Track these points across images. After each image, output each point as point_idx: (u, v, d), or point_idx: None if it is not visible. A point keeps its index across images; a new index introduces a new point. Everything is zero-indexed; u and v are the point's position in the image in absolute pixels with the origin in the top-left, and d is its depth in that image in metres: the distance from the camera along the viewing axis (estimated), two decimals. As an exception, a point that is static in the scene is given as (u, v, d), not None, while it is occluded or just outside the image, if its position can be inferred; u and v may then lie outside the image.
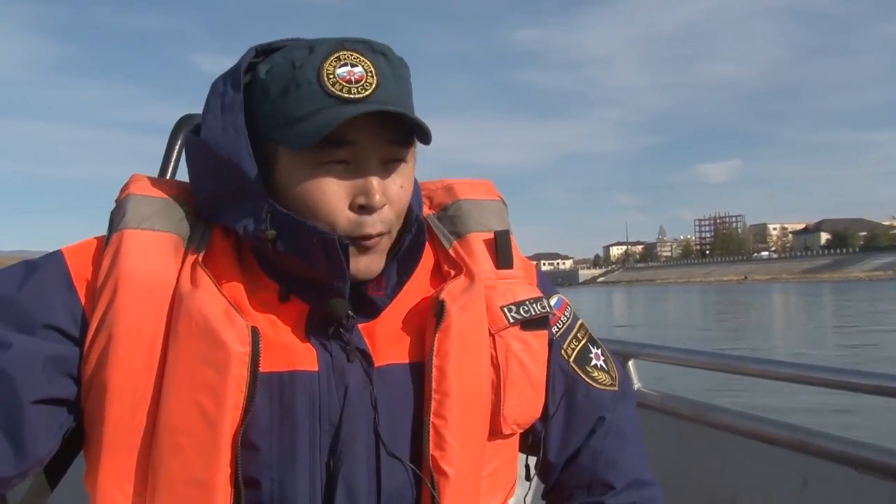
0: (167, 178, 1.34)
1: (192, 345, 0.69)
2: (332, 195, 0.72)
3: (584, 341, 0.91)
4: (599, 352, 0.92)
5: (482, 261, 0.84)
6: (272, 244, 0.72)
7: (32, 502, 0.82)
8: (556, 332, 0.88)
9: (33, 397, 0.68)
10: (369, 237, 0.73)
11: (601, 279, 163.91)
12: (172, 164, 1.33)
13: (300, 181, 0.72)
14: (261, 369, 0.70)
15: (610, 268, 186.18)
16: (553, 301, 0.88)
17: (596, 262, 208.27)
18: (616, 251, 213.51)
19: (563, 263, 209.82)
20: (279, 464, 0.71)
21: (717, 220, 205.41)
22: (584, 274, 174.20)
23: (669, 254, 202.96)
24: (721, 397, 5.29)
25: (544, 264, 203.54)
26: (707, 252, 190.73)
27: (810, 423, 1.49)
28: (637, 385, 1.72)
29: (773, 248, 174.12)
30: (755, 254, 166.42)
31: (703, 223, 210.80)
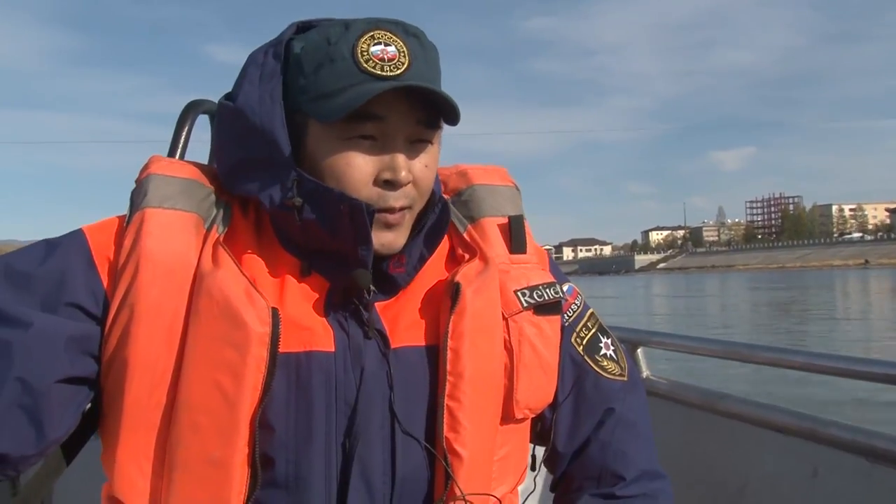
0: None
1: (212, 324, 0.72)
2: (358, 168, 0.76)
3: (594, 330, 0.95)
4: (609, 341, 0.96)
5: (496, 245, 0.88)
6: (298, 213, 0.76)
7: (45, 481, 0.84)
8: (567, 319, 0.92)
9: (55, 376, 0.71)
10: (392, 210, 0.78)
11: (662, 265, 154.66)
12: (181, 147, 1.37)
13: (328, 154, 0.76)
14: (279, 349, 0.73)
15: (669, 252, 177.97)
16: (565, 288, 0.92)
17: (633, 248, 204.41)
18: (656, 236, 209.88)
19: (602, 249, 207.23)
20: (295, 444, 0.74)
21: (773, 202, 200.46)
22: (641, 259, 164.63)
23: (716, 238, 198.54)
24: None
25: (582, 250, 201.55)
26: (761, 236, 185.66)
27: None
28: (646, 373, 1.74)
29: (849, 231, 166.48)
30: (842, 235, 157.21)
31: (754, 205, 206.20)
